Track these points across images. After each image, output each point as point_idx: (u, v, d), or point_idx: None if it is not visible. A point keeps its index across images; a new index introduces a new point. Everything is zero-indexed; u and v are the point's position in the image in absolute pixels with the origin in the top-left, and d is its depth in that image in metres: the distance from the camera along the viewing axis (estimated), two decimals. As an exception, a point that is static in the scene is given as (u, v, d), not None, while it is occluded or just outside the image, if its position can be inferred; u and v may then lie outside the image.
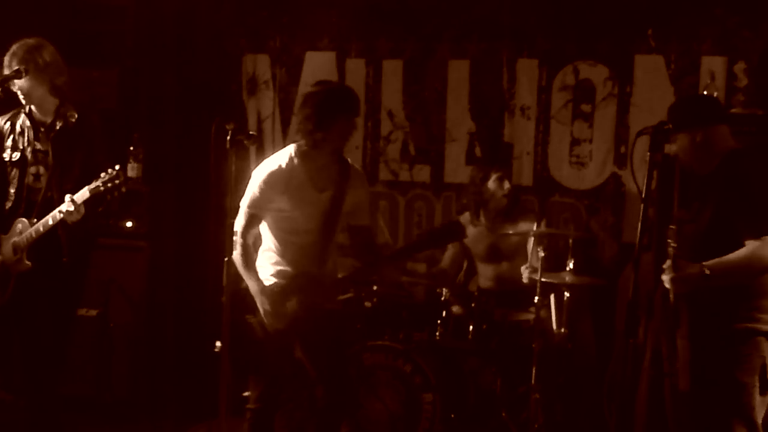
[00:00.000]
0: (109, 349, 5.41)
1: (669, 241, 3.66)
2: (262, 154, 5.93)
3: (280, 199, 3.95)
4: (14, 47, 4.26)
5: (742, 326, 3.58)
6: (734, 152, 3.69)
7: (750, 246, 3.48)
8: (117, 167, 4.11)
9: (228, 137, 3.72)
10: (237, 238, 3.97)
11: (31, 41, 4.27)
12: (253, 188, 3.98)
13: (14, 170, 4.33)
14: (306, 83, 5.86)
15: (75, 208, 4.06)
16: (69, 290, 4.41)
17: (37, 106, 4.34)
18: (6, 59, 4.24)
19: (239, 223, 3.99)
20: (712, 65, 5.21)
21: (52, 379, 4.43)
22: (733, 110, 5.01)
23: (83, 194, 4.07)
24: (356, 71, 5.92)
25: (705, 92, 5.04)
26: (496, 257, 5.22)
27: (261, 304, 3.92)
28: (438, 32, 5.77)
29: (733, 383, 3.60)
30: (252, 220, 4.01)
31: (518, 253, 5.09)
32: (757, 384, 3.58)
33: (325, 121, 3.89)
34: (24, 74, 4.21)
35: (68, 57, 4.41)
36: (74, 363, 5.13)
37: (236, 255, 3.95)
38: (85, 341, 5.33)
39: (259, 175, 3.99)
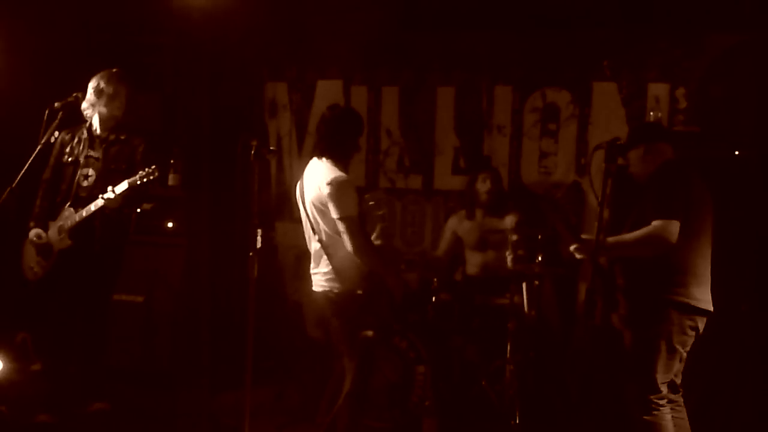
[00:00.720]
0: (152, 329, 5.46)
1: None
2: (281, 166, 6.01)
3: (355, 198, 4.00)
4: (102, 73, 4.42)
5: (662, 297, 3.64)
6: (665, 162, 3.80)
7: (653, 225, 3.54)
8: (153, 167, 4.24)
9: (252, 152, 3.76)
10: (367, 241, 3.90)
11: (114, 71, 4.44)
12: (348, 198, 3.87)
13: (69, 170, 4.46)
14: (318, 106, 5.91)
15: (114, 196, 4.20)
16: (104, 272, 4.47)
17: (102, 122, 4.47)
18: (92, 82, 4.41)
19: (358, 231, 3.86)
20: (657, 91, 5.23)
21: (90, 351, 4.47)
22: (675, 128, 5.02)
23: (123, 185, 4.24)
24: (360, 96, 5.94)
25: (651, 113, 5.07)
26: (484, 247, 5.26)
27: (397, 278, 4.01)
28: (428, 64, 5.80)
29: (640, 342, 3.68)
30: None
31: (502, 245, 5.09)
32: (663, 348, 3.64)
33: (356, 138, 4.08)
34: (95, 98, 4.40)
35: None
36: (123, 340, 5.34)
37: (375, 253, 3.93)
38: (133, 322, 5.44)
39: (342, 187, 3.88)
